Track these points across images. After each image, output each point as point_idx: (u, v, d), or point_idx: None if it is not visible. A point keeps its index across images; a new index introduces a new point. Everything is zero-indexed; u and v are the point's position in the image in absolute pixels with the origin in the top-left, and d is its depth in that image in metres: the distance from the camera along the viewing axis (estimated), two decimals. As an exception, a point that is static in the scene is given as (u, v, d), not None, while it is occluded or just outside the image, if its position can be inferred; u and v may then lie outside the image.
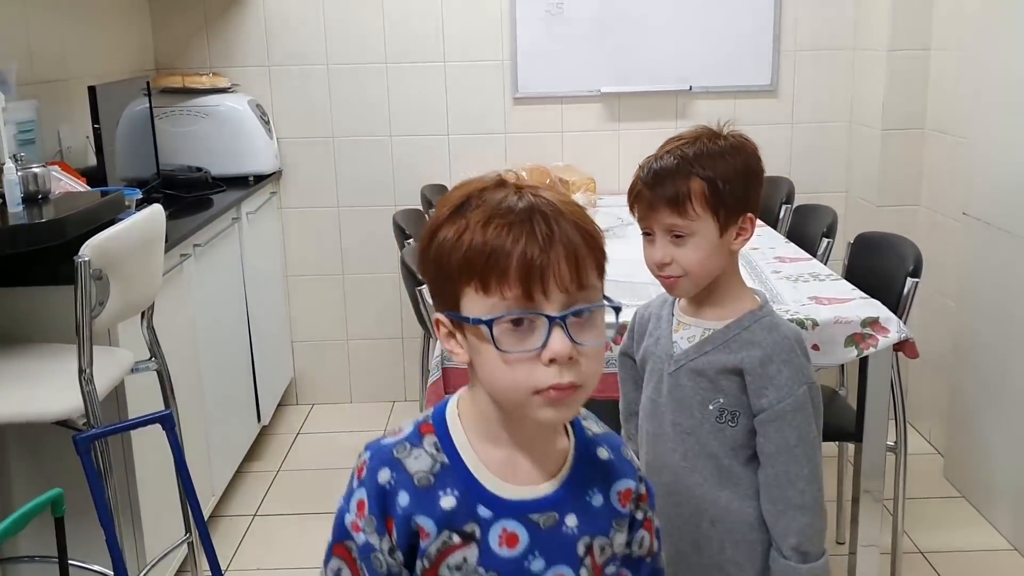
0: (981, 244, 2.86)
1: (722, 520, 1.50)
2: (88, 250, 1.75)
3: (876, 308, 2.15)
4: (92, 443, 1.73)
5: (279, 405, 3.73)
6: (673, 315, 1.56)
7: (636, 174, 1.49)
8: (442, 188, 3.49)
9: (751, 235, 1.47)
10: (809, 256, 2.68)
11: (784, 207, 3.23)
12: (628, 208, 1.53)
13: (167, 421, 1.82)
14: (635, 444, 1.67)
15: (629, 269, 2.40)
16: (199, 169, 3.25)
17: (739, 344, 1.45)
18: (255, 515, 3.04)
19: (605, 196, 3.43)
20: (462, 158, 3.68)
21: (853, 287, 2.30)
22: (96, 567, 1.82)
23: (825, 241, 2.76)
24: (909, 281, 2.27)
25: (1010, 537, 2.71)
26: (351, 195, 3.73)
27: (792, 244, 2.81)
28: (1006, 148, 2.74)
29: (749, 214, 1.45)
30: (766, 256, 2.66)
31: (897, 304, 2.26)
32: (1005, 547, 2.70)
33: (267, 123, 3.51)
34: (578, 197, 3.21)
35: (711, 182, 1.40)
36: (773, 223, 3.20)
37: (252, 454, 3.37)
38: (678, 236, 1.43)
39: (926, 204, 3.37)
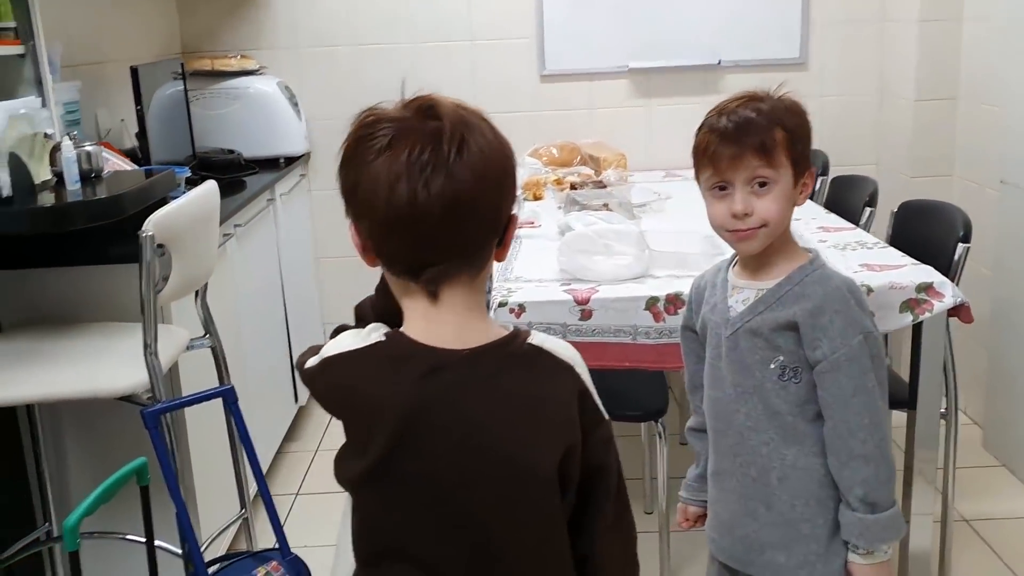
0: (1020, 211, 2.85)
1: (789, 477, 1.51)
2: (152, 225, 1.75)
3: (930, 273, 2.14)
4: (160, 417, 1.73)
5: (312, 387, 3.73)
6: (727, 280, 1.57)
7: (704, 131, 1.48)
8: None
9: (811, 190, 1.51)
10: (852, 225, 2.68)
11: (820, 179, 3.22)
12: (695, 166, 1.52)
13: (230, 395, 1.82)
14: (700, 416, 1.68)
15: (675, 241, 2.41)
16: (231, 151, 3.25)
17: (791, 299, 1.47)
18: (297, 494, 3.05)
19: (635, 172, 3.42)
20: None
21: (902, 254, 2.30)
22: (161, 543, 1.83)
23: (868, 210, 2.76)
24: (960, 246, 2.27)
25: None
26: (380, 176, 3.72)
27: (833, 214, 2.80)
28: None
29: (811, 169, 1.49)
30: (809, 226, 2.65)
31: (948, 270, 2.25)
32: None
33: (295, 105, 3.50)
34: (609, 174, 3.20)
35: (790, 133, 1.43)
36: (810, 195, 3.19)
37: (291, 433, 3.37)
38: (761, 186, 1.44)
39: (959, 173, 3.36)
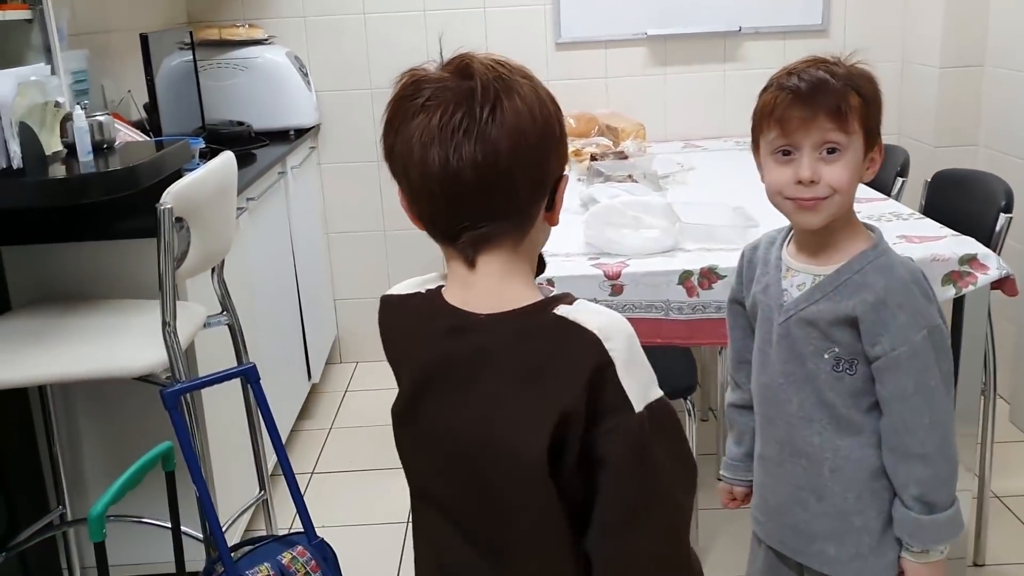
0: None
1: (842, 469, 1.44)
2: (170, 197, 1.67)
3: (972, 245, 2.08)
4: (180, 398, 1.66)
5: (324, 364, 3.67)
6: (781, 259, 1.48)
7: (772, 90, 1.39)
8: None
9: (879, 166, 1.40)
10: (883, 196, 2.60)
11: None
12: (755, 128, 1.43)
13: (252, 374, 1.76)
14: (744, 393, 1.61)
15: (704, 213, 2.34)
16: (241, 123, 3.17)
17: (850, 290, 1.37)
18: (312, 473, 3.00)
19: (653, 143, 3.34)
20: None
21: (941, 225, 2.22)
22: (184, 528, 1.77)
23: (899, 181, 2.68)
24: (1002, 217, 2.20)
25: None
26: (391, 148, 3.64)
27: (863, 184, 2.72)
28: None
29: (880, 144, 1.39)
30: (837, 197, 2.58)
31: (988, 241, 2.18)
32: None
33: (305, 75, 3.41)
34: (628, 144, 3.12)
35: (865, 100, 1.35)
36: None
37: (304, 412, 3.31)
38: (831, 151, 1.35)
39: (985, 143, 3.28)
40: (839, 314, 1.38)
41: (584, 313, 0.97)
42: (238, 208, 2.50)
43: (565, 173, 1.04)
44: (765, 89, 1.41)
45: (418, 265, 3.75)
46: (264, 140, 3.15)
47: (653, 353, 2.11)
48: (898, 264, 1.38)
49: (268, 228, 2.88)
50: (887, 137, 1.47)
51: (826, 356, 1.41)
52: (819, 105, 1.33)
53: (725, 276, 2.04)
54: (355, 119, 3.61)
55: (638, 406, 0.94)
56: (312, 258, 3.46)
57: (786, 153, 1.38)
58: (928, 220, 2.29)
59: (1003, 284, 2.04)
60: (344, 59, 3.57)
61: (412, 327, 1.07)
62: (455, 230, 0.98)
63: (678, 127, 3.58)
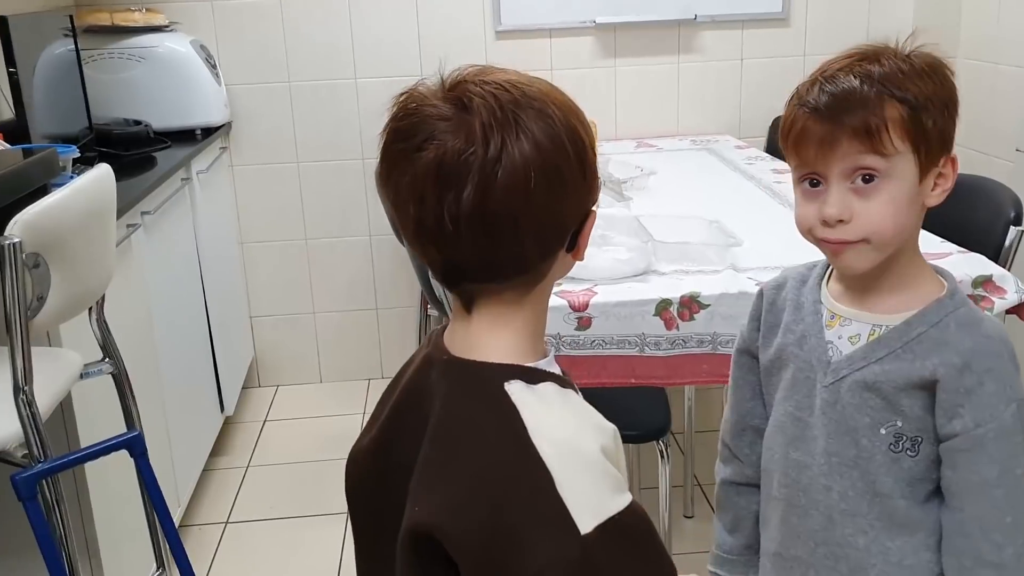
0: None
1: None
2: (18, 228, 1.29)
3: (984, 264, 1.82)
4: (39, 482, 1.29)
5: (240, 389, 3.29)
6: (822, 302, 1.17)
7: (793, 103, 1.09)
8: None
9: (952, 185, 1.08)
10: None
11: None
12: (782, 148, 1.13)
13: (136, 445, 1.40)
14: (746, 468, 1.30)
15: (675, 228, 2.03)
16: (138, 122, 2.77)
17: (928, 347, 1.07)
18: (227, 522, 2.62)
19: (604, 143, 3.04)
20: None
21: (942, 239, 1.96)
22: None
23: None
24: (1013, 230, 1.94)
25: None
26: (312, 148, 3.27)
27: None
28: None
29: (952, 154, 1.07)
30: (817, 205, 2.30)
31: (996, 258, 1.92)
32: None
33: (214, 67, 3.01)
34: (579, 143, 2.81)
35: (914, 105, 1.02)
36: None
37: (218, 448, 2.93)
38: (867, 181, 1.04)
39: (962, 142, 3.04)
40: (913, 377, 1.07)
41: (535, 403, 0.84)
42: (130, 225, 2.12)
43: (593, 208, 0.90)
44: (789, 101, 1.10)
45: (344, 276, 3.41)
46: (165, 141, 2.75)
47: (616, 389, 1.83)
48: (984, 319, 1.10)
49: (169, 244, 2.49)
50: None
51: (883, 431, 1.10)
52: (842, 123, 1.03)
53: (709, 305, 1.74)
54: (271, 116, 3.23)
55: (586, 525, 0.77)
56: (223, 274, 3.07)
57: (813, 184, 1.08)
58: (927, 234, 2.02)
59: (1020, 309, 1.78)
60: (258, 49, 3.17)
61: (416, 353, 0.98)
62: (452, 280, 0.89)
63: (630, 124, 3.28)
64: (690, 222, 2.02)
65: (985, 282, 1.77)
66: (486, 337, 0.89)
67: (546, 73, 3.22)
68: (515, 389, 0.84)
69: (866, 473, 1.12)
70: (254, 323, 3.41)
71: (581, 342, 1.72)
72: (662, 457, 2.02)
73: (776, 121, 3.25)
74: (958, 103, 1.08)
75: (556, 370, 0.90)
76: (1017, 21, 2.73)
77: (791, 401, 1.18)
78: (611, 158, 2.69)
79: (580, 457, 0.81)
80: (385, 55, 3.20)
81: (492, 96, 0.82)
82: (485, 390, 0.85)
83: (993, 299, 1.76)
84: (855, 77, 1.04)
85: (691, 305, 1.73)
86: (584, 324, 1.72)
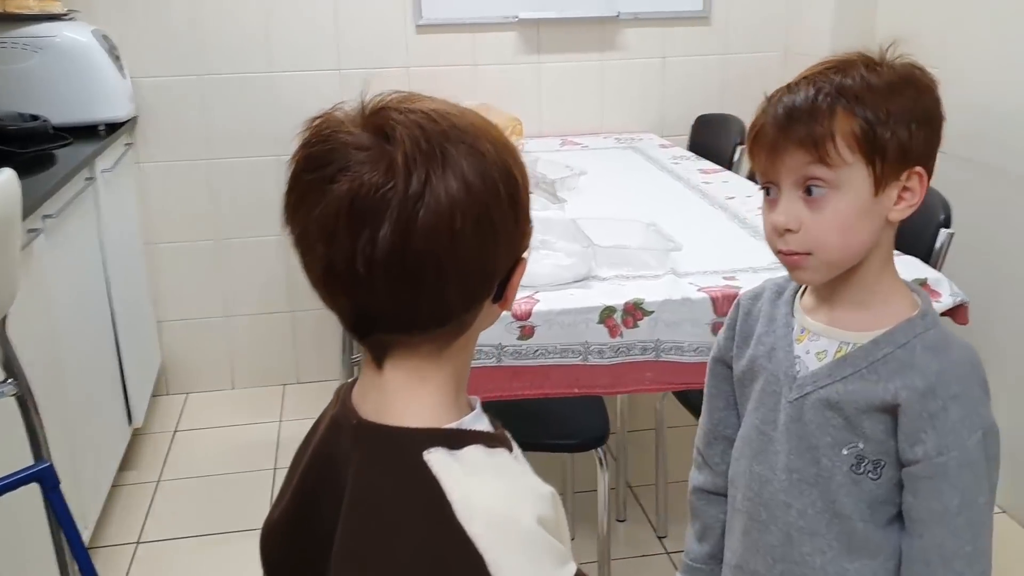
0: (964, 183, 2.59)
1: None
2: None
3: (918, 267, 1.83)
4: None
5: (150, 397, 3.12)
6: (794, 316, 1.14)
7: (760, 108, 1.07)
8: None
9: (920, 199, 1.04)
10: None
11: (739, 148, 2.88)
12: (748, 154, 1.10)
13: (47, 478, 1.27)
14: (716, 477, 1.27)
15: (613, 231, 1.99)
16: (35, 117, 2.57)
17: (893, 369, 1.04)
18: (138, 542, 2.48)
19: (529, 140, 2.98)
20: (356, 97, 3.12)
21: (876, 242, 1.96)
22: None
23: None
24: (943, 233, 1.95)
25: (1003, 503, 2.51)
26: (224, 145, 3.12)
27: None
28: (985, 77, 2.48)
29: (918, 168, 1.03)
30: (748, 206, 2.29)
31: (927, 260, 1.94)
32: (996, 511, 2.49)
33: (117, 59, 2.84)
34: (504, 142, 2.74)
35: (866, 119, 1.00)
36: (727, 165, 2.86)
37: (126, 462, 2.77)
38: (814, 192, 1.02)
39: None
40: (875, 400, 1.04)
41: (460, 473, 0.75)
42: (31, 230, 1.97)
43: (524, 256, 0.83)
44: (766, 101, 1.08)
45: (256, 278, 3.27)
46: (67, 138, 2.57)
47: (558, 399, 1.78)
48: (954, 342, 1.06)
49: (73, 249, 2.33)
50: None
51: (844, 452, 1.07)
52: (790, 132, 1.02)
53: (652, 312, 1.70)
54: (181, 110, 3.07)
55: None
56: (130, 277, 2.90)
57: (770, 193, 1.07)
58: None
59: (955, 313, 1.79)
60: (166, 40, 3.01)
61: (319, 421, 0.90)
62: (362, 330, 0.80)
63: (554, 122, 3.24)
64: (627, 225, 1.97)
65: (921, 285, 1.77)
66: (401, 397, 0.80)
67: (468, 69, 3.16)
68: (436, 459, 0.76)
69: (826, 492, 1.09)
70: (162, 328, 3.24)
71: (524, 352, 1.66)
72: (601, 465, 1.98)
73: (699, 120, 3.25)
74: (935, 117, 1.04)
75: (483, 425, 0.82)
76: (932, 21, 2.77)
77: (758, 414, 1.16)
78: (539, 157, 2.63)
79: (515, 533, 0.73)
80: (301, 48, 3.08)
81: (417, 126, 0.74)
82: (402, 461, 0.77)
83: (930, 303, 1.76)
84: (813, 87, 1.02)
85: (635, 312, 1.69)
86: (527, 333, 1.66)
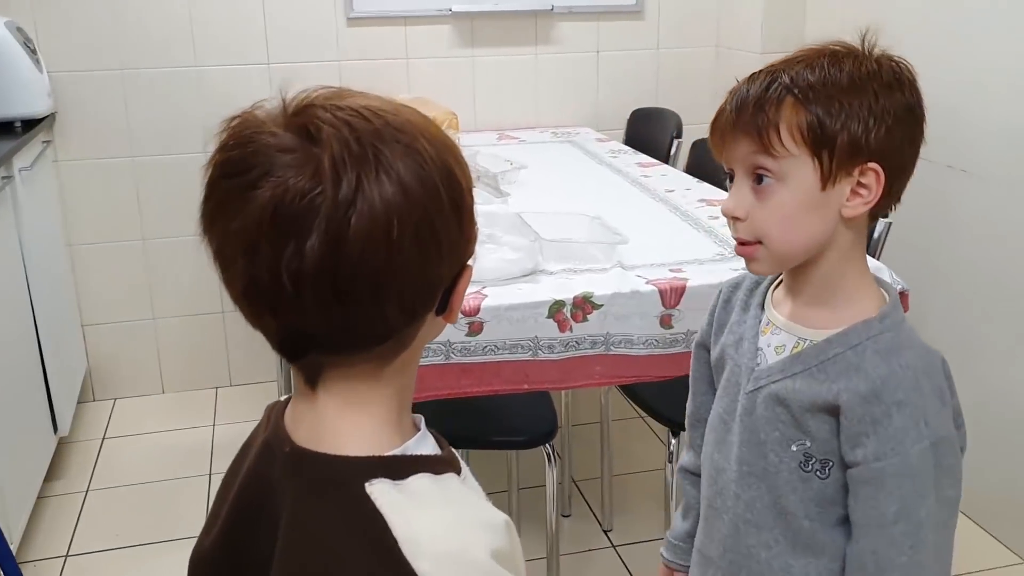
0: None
1: None
2: None
3: (861, 256, 1.84)
4: None
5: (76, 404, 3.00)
6: (764, 308, 1.13)
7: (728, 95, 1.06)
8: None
9: (876, 197, 1.00)
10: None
11: (676, 142, 2.90)
12: (710, 143, 1.09)
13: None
14: (696, 457, 1.27)
15: (558, 225, 1.97)
16: (-54, 112, 2.46)
17: (839, 369, 1.02)
18: (67, 556, 2.38)
19: (465, 134, 2.95)
20: (287, 91, 3.04)
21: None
22: None
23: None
24: (881, 222, 1.97)
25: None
26: (149, 141, 3.01)
27: (706, 183, 2.46)
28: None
29: (872, 164, 0.99)
30: (688, 199, 2.30)
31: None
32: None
33: (33, 52, 2.72)
34: (440, 136, 2.71)
35: (819, 109, 0.98)
36: (664, 159, 2.87)
37: (52, 471, 2.66)
38: (761, 181, 1.01)
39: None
40: (817, 399, 1.02)
41: (406, 506, 0.69)
42: (-53, 230, 1.87)
43: (469, 263, 0.76)
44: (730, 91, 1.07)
45: (186, 279, 3.17)
46: (-20, 134, 2.46)
47: (504, 396, 1.76)
48: (907, 347, 1.03)
49: (-9, 251, 2.23)
50: (703, 126, 1.17)
51: (793, 448, 1.06)
52: (739, 119, 1.02)
53: (601, 305, 1.68)
54: (101, 105, 2.95)
55: None
56: (52, 280, 2.79)
57: (731, 179, 1.06)
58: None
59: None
60: (85, 32, 2.89)
61: (246, 444, 0.83)
62: (292, 351, 0.73)
63: (490, 116, 3.21)
64: (573, 219, 1.96)
65: (864, 274, 1.79)
66: (338, 422, 0.74)
67: (401, 63, 3.12)
68: (379, 491, 0.70)
69: (772, 488, 1.08)
70: (87, 332, 3.13)
71: (472, 348, 1.63)
72: (549, 461, 1.96)
73: (634, 114, 3.25)
74: (903, 114, 1.01)
75: (429, 447, 0.76)
76: (858, 15, 2.83)
77: (721, 403, 1.16)
78: (479, 151, 2.60)
79: (466, 570, 0.68)
80: (228, 41, 2.99)
81: (347, 125, 0.68)
82: (342, 495, 0.70)
83: (872, 291, 1.79)
84: (770, 77, 1.01)
85: (584, 306, 1.67)
86: (475, 330, 1.63)
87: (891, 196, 1.02)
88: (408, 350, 0.75)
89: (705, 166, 2.64)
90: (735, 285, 1.20)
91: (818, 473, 1.05)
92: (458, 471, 0.76)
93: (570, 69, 3.28)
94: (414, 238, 0.68)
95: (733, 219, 1.04)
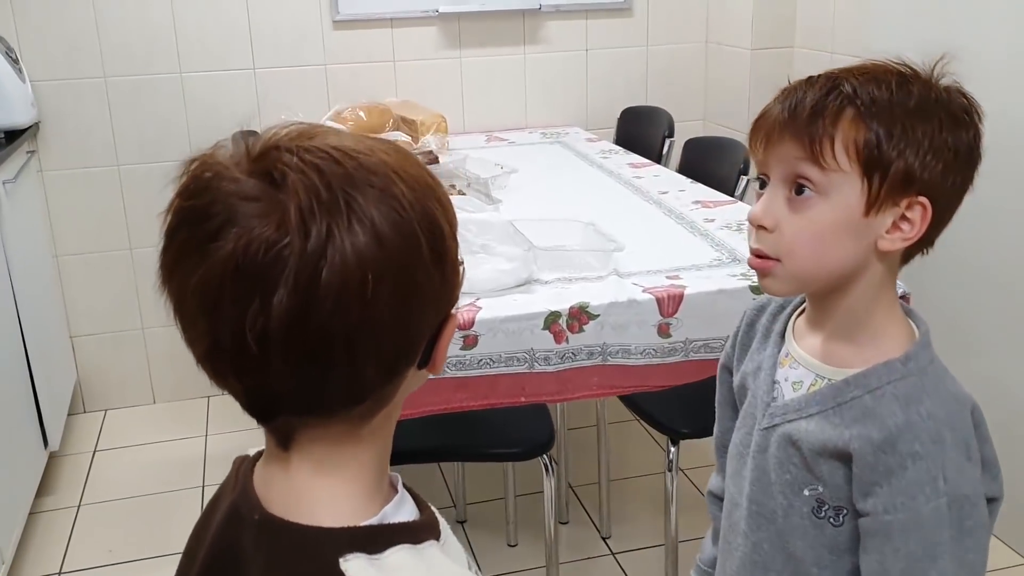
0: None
1: None
2: None
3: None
4: None
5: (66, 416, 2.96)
6: (785, 337, 1.07)
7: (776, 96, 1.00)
8: (253, 134, 2.82)
9: (918, 234, 0.94)
10: (730, 197, 2.33)
11: (668, 141, 2.87)
12: (748, 139, 1.03)
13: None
14: (723, 481, 1.20)
15: (551, 232, 1.94)
16: (-73, 125, 2.42)
17: (856, 414, 0.96)
18: (60, 573, 2.35)
19: (453, 137, 2.92)
20: (272, 96, 3.01)
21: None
22: None
23: (743, 179, 2.42)
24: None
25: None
26: (134, 150, 2.97)
27: (699, 184, 2.44)
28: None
29: (922, 198, 0.93)
30: (682, 201, 2.27)
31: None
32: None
33: (16, 62, 2.68)
34: (429, 140, 2.69)
35: (879, 130, 0.92)
36: (656, 158, 2.84)
37: (44, 487, 2.63)
38: (800, 192, 0.94)
39: (801, 130, 3.12)
40: (829, 444, 0.97)
41: None
42: (-71, 249, 1.83)
43: (453, 312, 0.71)
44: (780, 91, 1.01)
45: (177, 287, 3.13)
46: (-38, 147, 2.42)
47: (501, 409, 1.73)
48: (934, 393, 0.95)
49: (-24, 266, 2.19)
50: (693, 123, 1.12)
51: (806, 493, 1.01)
52: (791, 122, 0.94)
53: (598, 316, 1.66)
54: (86, 114, 2.91)
55: None
56: (39, 292, 2.75)
57: (763, 184, 0.99)
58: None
59: (896, 303, 1.80)
60: (67, 41, 2.85)
61: (210, 506, 0.78)
62: (263, 415, 0.68)
63: (478, 117, 3.18)
64: (566, 226, 1.93)
65: (862, 278, 1.77)
66: (312, 488, 0.69)
67: (388, 65, 3.08)
68: (355, 568, 0.65)
69: (782, 532, 1.04)
70: (75, 343, 3.09)
71: (468, 362, 1.61)
72: (547, 471, 1.94)
73: (624, 112, 3.23)
74: (963, 152, 0.94)
75: (407, 512, 0.72)
76: (849, 10, 2.81)
77: (739, 433, 1.11)
78: (468, 155, 2.57)
79: None
80: (213, 47, 2.95)
81: (315, 169, 0.62)
82: (316, 572, 0.66)
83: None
84: (830, 84, 0.94)
85: (580, 316, 1.65)
86: (470, 343, 1.60)
87: (929, 237, 0.96)
88: (387, 408, 0.70)
89: (698, 166, 2.62)
90: (760, 308, 1.14)
91: (831, 520, 1.00)
92: (437, 536, 0.71)
93: (559, 68, 3.25)
94: (392, 292, 0.63)
95: (758, 228, 0.97)
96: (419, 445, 1.90)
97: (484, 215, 1.93)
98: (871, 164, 0.92)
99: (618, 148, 2.92)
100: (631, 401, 2.01)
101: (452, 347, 1.59)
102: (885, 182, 0.92)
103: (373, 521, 0.69)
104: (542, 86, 3.25)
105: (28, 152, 2.79)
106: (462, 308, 1.61)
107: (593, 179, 2.56)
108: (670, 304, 1.67)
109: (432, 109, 2.91)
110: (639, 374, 1.69)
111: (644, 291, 1.69)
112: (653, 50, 3.30)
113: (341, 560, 0.65)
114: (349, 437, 0.69)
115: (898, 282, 1.73)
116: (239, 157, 0.64)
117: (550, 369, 1.65)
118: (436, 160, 2.38)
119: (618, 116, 3.23)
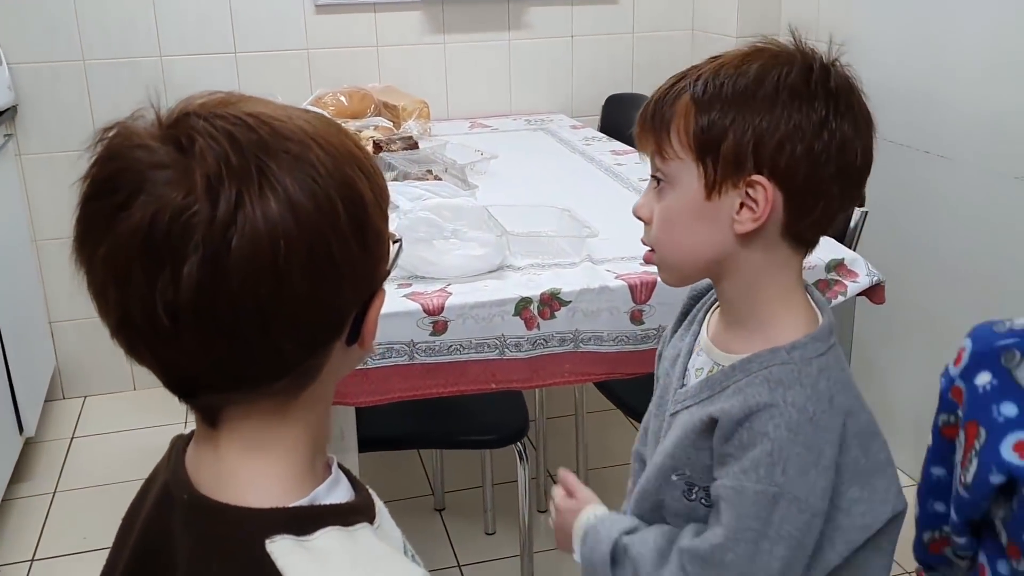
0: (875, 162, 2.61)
1: None
2: None
3: (835, 248, 1.80)
4: None
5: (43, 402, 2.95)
6: (701, 329, 1.09)
7: None
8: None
9: (765, 213, 0.93)
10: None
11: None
12: None
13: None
14: None
15: (526, 218, 1.92)
16: (-100, 107, 2.39)
17: (728, 394, 0.97)
18: (33, 560, 2.33)
19: (436, 123, 2.90)
20: (254, 81, 2.98)
21: (791, 222, 1.94)
22: None
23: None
24: (857, 211, 1.94)
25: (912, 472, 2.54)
26: (114, 133, 2.94)
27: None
28: (889, 56, 2.50)
29: (758, 177, 0.92)
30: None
31: (842, 240, 1.93)
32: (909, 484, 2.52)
33: (-9, 43, 2.65)
34: (411, 125, 2.67)
35: (709, 118, 0.92)
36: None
37: (19, 473, 2.61)
38: (659, 183, 1.00)
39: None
40: (705, 418, 0.97)
41: (310, 566, 0.63)
42: None
43: (384, 287, 0.70)
44: None
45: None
46: (-64, 129, 2.39)
47: (474, 395, 1.72)
48: (807, 386, 0.93)
49: (-53, 250, 2.17)
50: None
51: (674, 478, 1.01)
52: (642, 120, 1.00)
53: (570, 302, 1.64)
54: (63, 96, 2.88)
55: None
56: (16, 277, 2.73)
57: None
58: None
59: (872, 292, 1.79)
60: (45, 22, 2.82)
61: (145, 487, 0.77)
62: (183, 391, 0.67)
63: (461, 104, 3.15)
64: (541, 212, 1.92)
65: (838, 266, 1.76)
66: (239, 467, 0.68)
67: (371, 51, 3.06)
68: (281, 549, 0.63)
69: (659, 515, 1.06)
70: (54, 329, 3.06)
71: (437, 348, 1.59)
72: (520, 459, 1.93)
73: (609, 100, 3.21)
74: (815, 132, 0.92)
75: (341, 493, 0.70)
76: (834, 2, 2.79)
77: (656, 421, 1.11)
78: (449, 141, 2.55)
79: None
80: (194, 30, 2.92)
81: (227, 135, 0.61)
82: (241, 553, 0.64)
83: (846, 283, 1.75)
84: (685, 77, 0.98)
85: (552, 303, 1.63)
86: (439, 329, 1.58)
87: (806, 218, 0.94)
88: (316, 383, 0.68)
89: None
90: (696, 296, 1.16)
91: (703, 501, 1.01)
92: (371, 519, 0.69)
93: (543, 55, 3.22)
94: (306, 263, 0.61)
95: (643, 222, 1.03)
96: (393, 432, 1.89)
97: (458, 200, 1.91)
98: (703, 148, 0.94)
99: (601, 135, 2.89)
100: (607, 388, 2.00)
101: (421, 332, 1.57)
102: (718, 164, 0.93)
103: (303, 502, 0.67)
104: (527, 73, 3.22)
105: (5, 136, 2.77)
106: (432, 294, 1.59)
107: (574, 166, 2.54)
108: (643, 291, 1.66)
109: (415, 95, 2.89)
110: (611, 361, 1.67)
111: (617, 277, 1.67)
112: (639, 37, 3.28)
113: (267, 541, 0.63)
114: (277, 415, 0.68)
115: (872, 270, 1.72)
116: (152, 124, 0.64)
117: (521, 356, 1.64)
118: (415, 146, 2.35)
119: (603, 103, 3.20)
